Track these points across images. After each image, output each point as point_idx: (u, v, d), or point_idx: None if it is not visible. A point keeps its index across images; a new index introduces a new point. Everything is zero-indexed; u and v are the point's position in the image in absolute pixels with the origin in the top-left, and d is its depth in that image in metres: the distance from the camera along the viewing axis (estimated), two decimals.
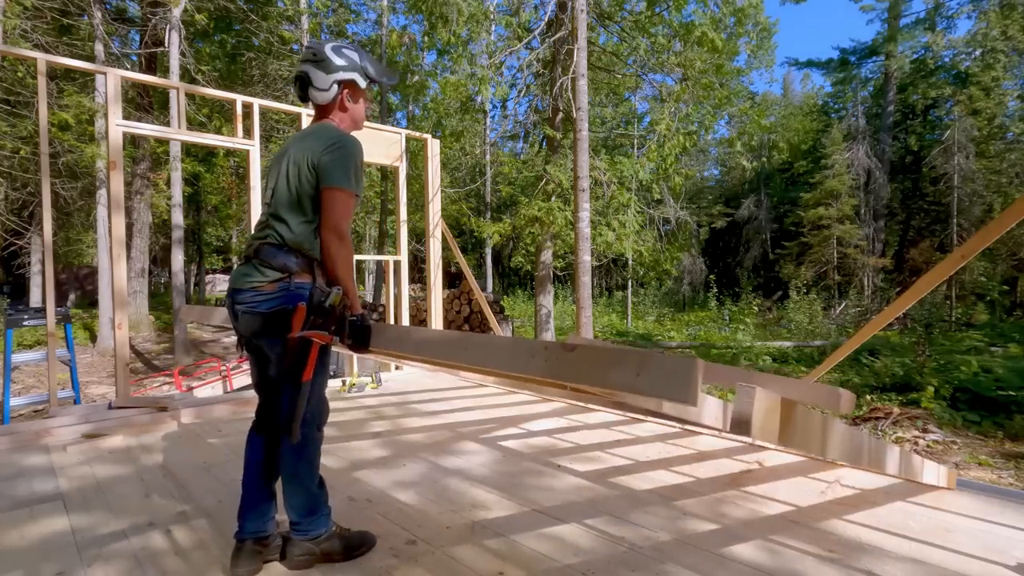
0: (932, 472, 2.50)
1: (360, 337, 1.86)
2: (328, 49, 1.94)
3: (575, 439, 3.46)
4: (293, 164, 1.89)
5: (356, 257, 8.44)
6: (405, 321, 5.81)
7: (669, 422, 3.69)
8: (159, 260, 23.32)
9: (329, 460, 2.90)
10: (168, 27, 11.08)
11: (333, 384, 4.92)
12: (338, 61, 1.93)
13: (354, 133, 2.05)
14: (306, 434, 1.91)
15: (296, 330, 1.78)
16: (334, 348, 2.00)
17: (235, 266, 1.98)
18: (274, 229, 1.88)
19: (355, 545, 2.01)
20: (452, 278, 21.29)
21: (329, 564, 1.96)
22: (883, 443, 2.05)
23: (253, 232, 1.99)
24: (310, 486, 1.96)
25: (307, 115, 5.06)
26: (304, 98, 2.02)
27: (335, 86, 1.94)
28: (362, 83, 2.00)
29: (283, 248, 1.85)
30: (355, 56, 1.97)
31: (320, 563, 1.95)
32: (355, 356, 5.17)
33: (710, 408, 1.55)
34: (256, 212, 4.88)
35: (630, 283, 19.17)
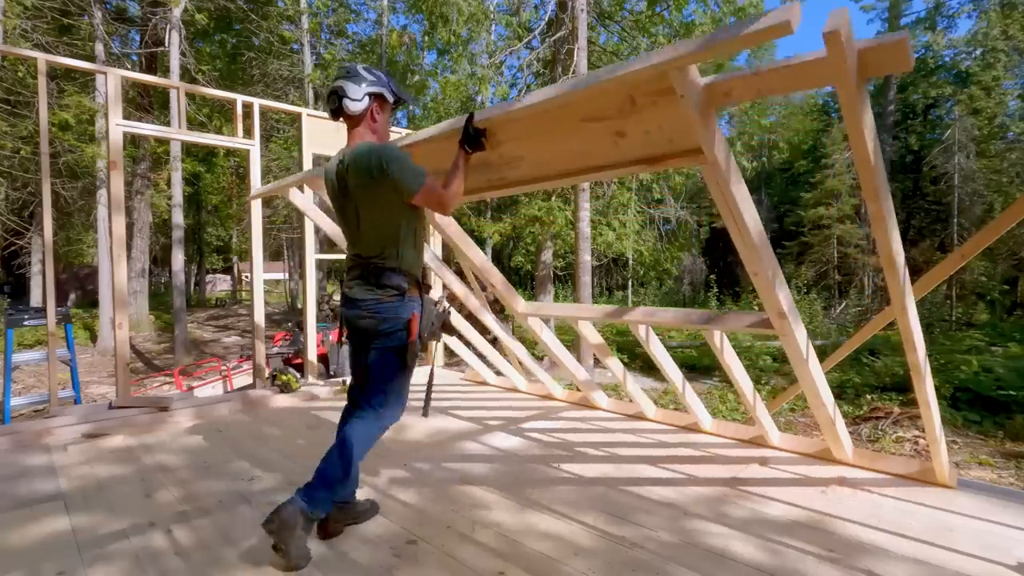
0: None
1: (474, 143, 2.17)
2: (360, 67, 2.20)
3: (575, 439, 3.46)
4: (369, 206, 2.10)
5: None
6: None
7: (669, 422, 3.69)
8: (159, 260, 23.34)
9: None
10: (168, 27, 11.09)
11: (334, 384, 4.91)
12: (369, 76, 2.17)
13: None
14: (396, 414, 2.20)
15: (414, 334, 2.11)
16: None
17: (346, 282, 2.23)
18: (388, 256, 2.13)
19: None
20: None
21: (328, 563, 1.97)
22: None
23: (361, 254, 2.16)
24: (356, 461, 2.09)
25: (307, 115, 5.06)
26: (336, 113, 2.18)
27: (367, 97, 2.15)
28: (389, 98, 2.23)
29: (396, 271, 2.13)
30: (383, 75, 2.23)
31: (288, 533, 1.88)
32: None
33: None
34: (257, 212, 4.88)
35: (630, 283, 19.18)
